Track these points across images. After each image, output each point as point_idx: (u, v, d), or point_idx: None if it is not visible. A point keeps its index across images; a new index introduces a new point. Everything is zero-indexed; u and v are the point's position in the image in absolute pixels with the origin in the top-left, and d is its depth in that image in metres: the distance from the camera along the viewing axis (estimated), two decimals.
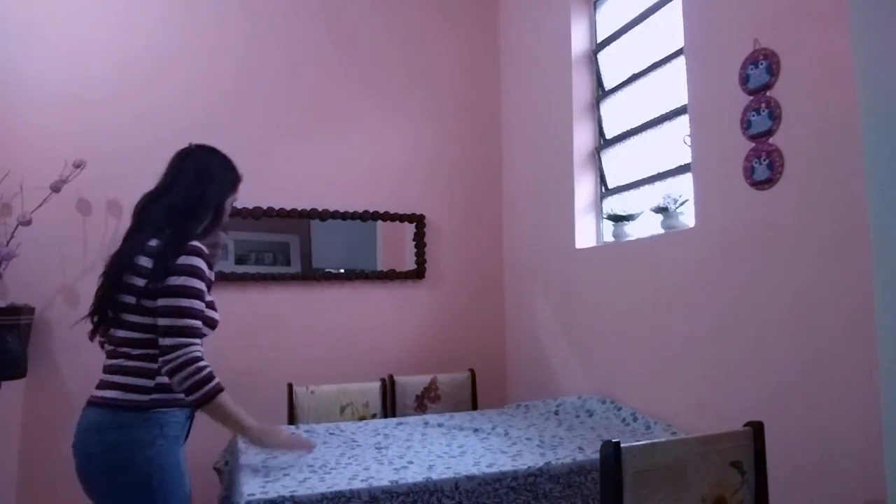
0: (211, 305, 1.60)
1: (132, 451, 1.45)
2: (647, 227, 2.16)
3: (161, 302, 1.46)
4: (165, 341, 1.45)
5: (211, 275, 1.56)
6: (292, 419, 2.21)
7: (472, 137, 3.06)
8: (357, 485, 1.40)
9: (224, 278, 2.61)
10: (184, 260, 1.49)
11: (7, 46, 2.43)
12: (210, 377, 1.47)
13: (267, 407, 2.42)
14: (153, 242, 1.51)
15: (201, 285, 1.51)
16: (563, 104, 2.51)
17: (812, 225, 1.42)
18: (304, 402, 2.21)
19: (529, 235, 2.81)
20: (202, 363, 1.47)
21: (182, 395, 1.46)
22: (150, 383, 1.48)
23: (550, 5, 2.65)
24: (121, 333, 1.50)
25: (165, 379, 1.46)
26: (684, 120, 1.88)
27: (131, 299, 1.48)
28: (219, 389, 1.49)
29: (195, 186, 1.62)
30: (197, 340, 1.49)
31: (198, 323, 1.49)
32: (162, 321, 1.46)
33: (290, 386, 2.24)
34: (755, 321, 1.57)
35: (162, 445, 1.47)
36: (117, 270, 1.51)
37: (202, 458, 2.41)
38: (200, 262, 1.51)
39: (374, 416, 2.33)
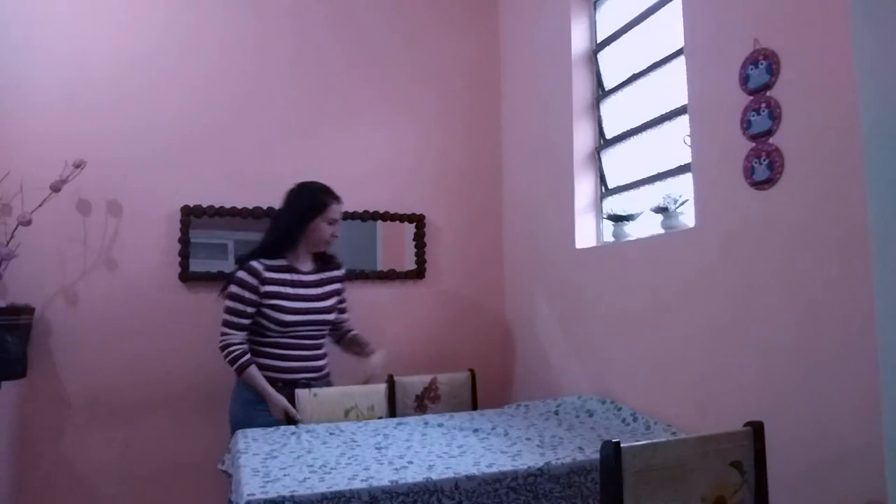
0: (276, 307, 2.17)
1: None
2: (647, 227, 2.16)
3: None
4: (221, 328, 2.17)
5: (266, 286, 2.16)
6: (294, 421, 2.19)
7: (473, 137, 3.06)
8: (357, 485, 1.40)
9: (224, 278, 2.61)
10: (236, 273, 2.18)
11: (7, 46, 2.42)
12: (236, 359, 2.13)
13: None
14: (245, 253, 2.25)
15: (242, 292, 2.15)
16: (563, 104, 2.51)
17: (812, 225, 1.42)
18: (306, 404, 2.19)
19: (529, 235, 2.81)
20: (232, 348, 2.14)
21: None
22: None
23: (550, 5, 2.65)
24: None
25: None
26: (684, 120, 1.88)
27: None
28: (242, 367, 2.13)
29: (276, 217, 2.35)
30: (232, 331, 2.15)
31: (234, 318, 2.15)
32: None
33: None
34: (755, 321, 1.57)
35: (236, 401, 2.21)
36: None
37: (205, 458, 2.42)
38: (243, 275, 2.16)
39: (380, 419, 2.30)
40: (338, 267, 2.39)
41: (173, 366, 2.53)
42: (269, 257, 2.20)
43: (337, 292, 2.35)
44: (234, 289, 2.16)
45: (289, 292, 2.19)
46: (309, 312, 2.22)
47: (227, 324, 2.15)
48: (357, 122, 2.87)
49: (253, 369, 2.14)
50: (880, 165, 0.95)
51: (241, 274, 2.16)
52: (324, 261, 2.35)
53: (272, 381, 2.16)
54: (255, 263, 2.17)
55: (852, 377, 1.31)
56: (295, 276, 2.23)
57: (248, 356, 2.14)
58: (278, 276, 2.19)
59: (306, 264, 2.29)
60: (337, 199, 2.30)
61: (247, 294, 2.15)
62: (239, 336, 2.15)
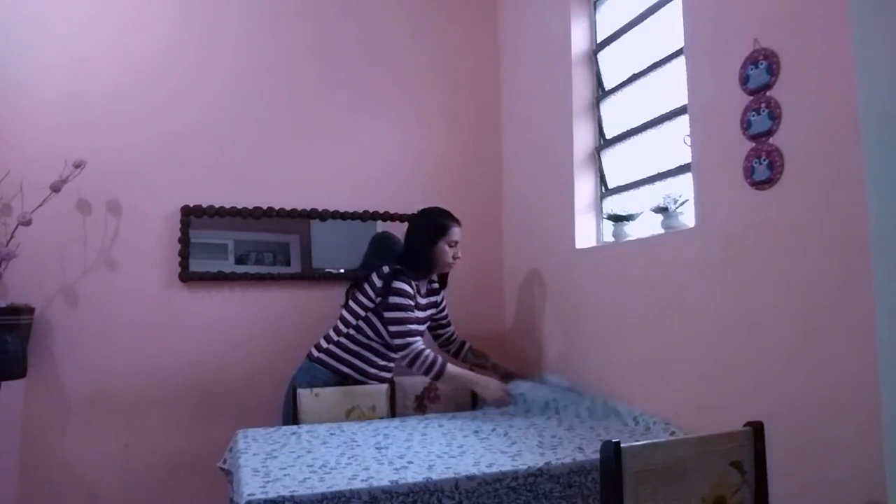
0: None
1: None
2: (647, 227, 2.16)
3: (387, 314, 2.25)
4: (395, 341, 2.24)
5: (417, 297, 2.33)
6: (296, 421, 2.19)
7: (473, 137, 3.06)
8: (357, 485, 1.40)
9: (224, 278, 2.61)
10: (396, 284, 2.24)
11: (8, 46, 2.43)
12: (434, 363, 2.18)
13: (267, 407, 2.43)
14: (386, 269, 2.29)
15: (409, 300, 2.26)
16: (563, 104, 2.51)
17: (812, 225, 1.42)
18: (307, 405, 2.19)
19: (529, 235, 2.81)
20: (426, 353, 2.19)
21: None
22: (323, 344, 2.36)
23: (550, 5, 2.65)
24: (344, 312, 2.38)
25: (334, 347, 2.33)
26: (684, 120, 1.88)
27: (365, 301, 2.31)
28: (443, 369, 2.19)
29: (406, 243, 2.43)
30: (417, 337, 2.23)
31: (415, 326, 2.26)
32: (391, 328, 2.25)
33: (293, 388, 2.22)
34: (755, 321, 1.57)
35: (300, 383, 2.26)
36: (362, 277, 2.37)
37: (205, 458, 2.42)
38: (405, 285, 2.26)
39: (380, 420, 2.29)
40: (437, 292, 2.50)
41: (173, 365, 2.53)
42: (410, 276, 2.31)
43: (431, 317, 2.50)
44: (401, 300, 2.24)
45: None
46: (413, 334, 2.31)
47: (409, 333, 2.22)
48: (356, 122, 2.87)
49: (452, 366, 2.22)
50: (880, 165, 0.95)
51: (403, 284, 2.25)
52: (431, 284, 2.47)
53: (346, 377, 2.31)
54: (407, 277, 2.28)
55: (852, 377, 1.31)
56: (419, 298, 2.36)
57: (440, 357, 2.22)
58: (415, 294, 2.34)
59: (423, 287, 2.42)
60: (457, 221, 2.41)
61: (412, 301, 2.27)
62: (422, 340, 2.24)
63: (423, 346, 2.22)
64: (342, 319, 2.37)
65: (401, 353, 2.22)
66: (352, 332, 2.33)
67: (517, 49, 2.99)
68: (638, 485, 1.12)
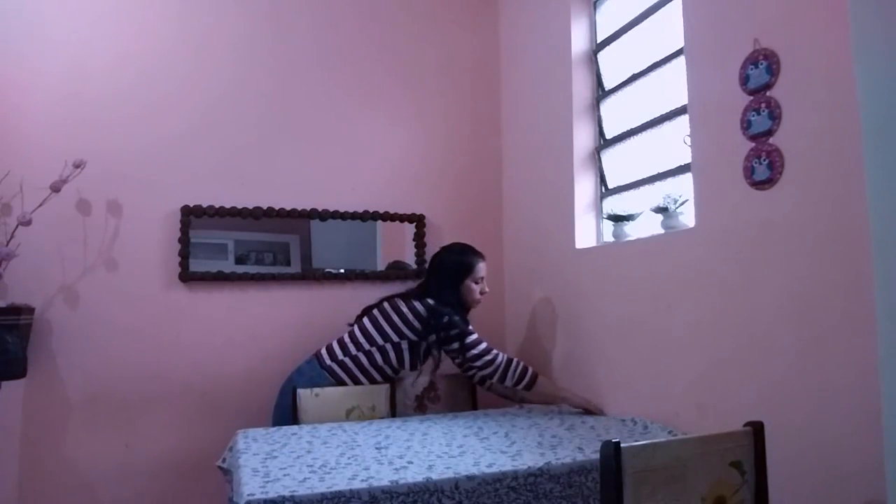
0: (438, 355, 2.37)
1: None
2: (647, 227, 2.16)
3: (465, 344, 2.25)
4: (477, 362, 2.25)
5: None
6: (296, 422, 2.19)
7: (473, 137, 3.06)
8: (357, 485, 1.40)
9: (224, 278, 2.61)
10: (454, 316, 2.27)
11: (8, 45, 2.42)
12: (526, 369, 2.23)
13: (267, 407, 2.43)
14: (431, 301, 2.29)
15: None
16: (563, 104, 2.51)
17: (812, 225, 1.42)
18: (307, 405, 2.19)
19: (529, 235, 2.81)
20: (516, 361, 2.25)
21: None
22: (338, 355, 2.30)
23: (550, 5, 2.65)
24: (366, 322, 2.33)
25: (349, 361, 2.28)
26: (684, 120, 1.88)
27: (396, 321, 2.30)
28: (536, 376, 2.23)
29: (430, 283, 2.38)
30: (495, 349, 2.26)
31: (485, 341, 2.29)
32: (469, 352, 2.24)
33: (293, 388, 2.22)
34: (755, 321, 1.57)
35: (299, 384, 2.24)
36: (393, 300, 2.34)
37: (205, 458, 2.42)
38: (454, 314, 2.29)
39: (381, 420, 2.29)
40: None
41: (173, 365, 2.53)
42: None
43: None
44: (466, 325, 2.27)
45: None
46: (490, 346, 2.30)
47: (488, 348, 2.24)
48: (356, 122, 2.87)
49: (540, 376, 2.26)
50: (880, 165, 0.95)
51: (455, 316, 2.27)
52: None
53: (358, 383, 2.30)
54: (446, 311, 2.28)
55: (852, 377, 1.31)
56: None
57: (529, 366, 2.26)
58: None
59: None
60: (481, 256, 2.40)
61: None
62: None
63: (506, 355, 2.24)
64: (366, 336, 2.31)
65: (489, 370, 2.23)
66: (374, 351, 2.29)
67: (517, 49, 2.99)
68: (638, 485, 1.12)
